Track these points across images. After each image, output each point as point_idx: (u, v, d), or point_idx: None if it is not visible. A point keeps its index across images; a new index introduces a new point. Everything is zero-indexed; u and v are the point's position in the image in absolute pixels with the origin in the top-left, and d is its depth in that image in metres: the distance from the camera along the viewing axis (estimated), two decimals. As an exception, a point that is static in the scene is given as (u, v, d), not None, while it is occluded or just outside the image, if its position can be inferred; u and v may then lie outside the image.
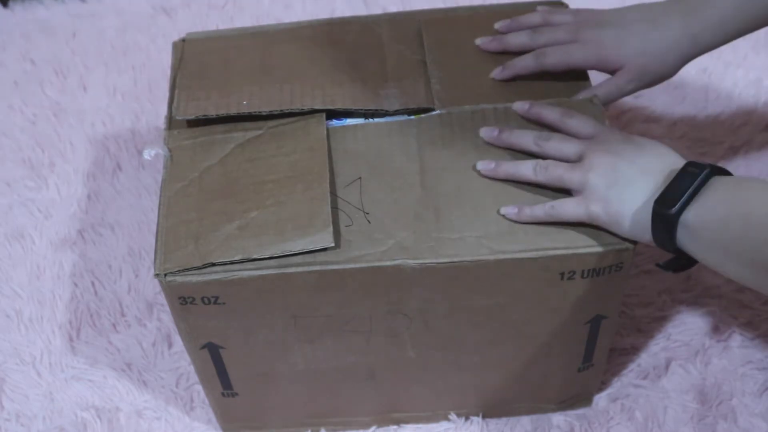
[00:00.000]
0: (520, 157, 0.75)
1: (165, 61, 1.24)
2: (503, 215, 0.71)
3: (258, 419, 0.87)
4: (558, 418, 0.88)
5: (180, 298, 0.70)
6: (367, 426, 0.88)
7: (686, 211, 0.65)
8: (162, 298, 0.98)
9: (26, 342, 0.97)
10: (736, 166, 1.06)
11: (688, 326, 0.94)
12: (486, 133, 0.76)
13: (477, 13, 0.88)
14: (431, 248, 0.70)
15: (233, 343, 0.76)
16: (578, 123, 0.74)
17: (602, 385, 0.90)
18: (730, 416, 0.87)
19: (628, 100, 1.15)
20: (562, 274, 0.71)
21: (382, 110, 0.78)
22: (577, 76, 0.81)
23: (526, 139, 0.75)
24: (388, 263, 0.69)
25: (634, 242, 0.69)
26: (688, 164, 0.67)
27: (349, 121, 0.79)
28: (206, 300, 0.71)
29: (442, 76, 0.81)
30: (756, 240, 0.61)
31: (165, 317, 0.98)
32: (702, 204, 0.64)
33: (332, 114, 0.79)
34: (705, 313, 0.95)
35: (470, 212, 0.72)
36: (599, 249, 0.69)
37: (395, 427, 0.89)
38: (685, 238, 0.66)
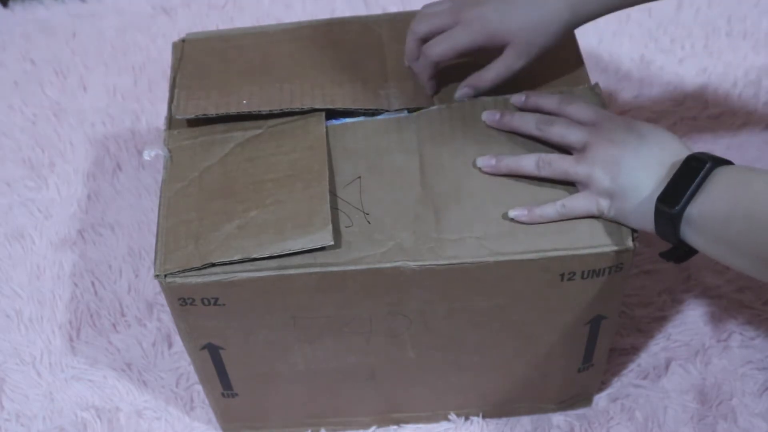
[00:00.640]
0: (519, 150, 0.75)
1: (165, 61, 1.24)
2: (513, 218, 0.70)
3: (258, 419, 0.87)
4: (558, 418, 0.88)
5: (180, 299, 0.70)
6: (367, 426, 0.88)
7: (689, 207, 0.65)
8: (162, 298, 0.98)
9: (26, 342, 0.97)
10: (736, 166, 1.06)
11: (688, 326, 0.94)
12: (488, 116, 0.76)
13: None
14: (431, 249, 0.69)
15: (233, 344, 0.76)
16: (578, 109, 0.74)
17: (602, 385, 0.90)
18: (730, 416, 0.87)
19: (628, 100, 1.15)
20: (563, 275, 0.71)
21: (381, 109, 0.78)
22: (571, 64, 0.81)
23: (528, 123, 0.74)
24: (387, 265, 0.69)
25: (636, 242, 0.69)
26: (690, 158, 0.66)
27: (349, 120, 0.79)
28: (206, 301, 0.71)
29: (442, 75, 0.81)
30: (760, 235, 0.61)
31: (165, 317, 0.98)
32: (704, 199, 0.64)
33: (332, 113, 0.79)
34: (705, 313, 0.95)
35: (470, 212, 0.71)
36: (599, 250, 0.69)
37: (395, 427, 0.89)
38: (688, 233, 0.66)
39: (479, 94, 0.79)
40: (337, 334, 0.75)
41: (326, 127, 0.77)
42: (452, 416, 0.88)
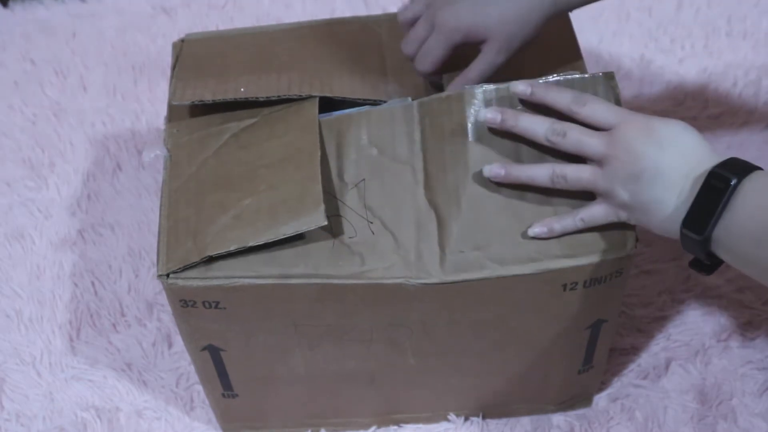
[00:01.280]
0: (524, 146, 0.71)
1: (165, 61, 1.24)
2: (533, 237, 0.68)
3: (258, 419, 0.87)
4: (558, 418, 0.88)
5: (181, 300, 0.70)
6: (367, 426, 0.88)
7: (716, 229, 0.61)
8: (162, 298, 0.98)
9: (26, 342, 0.97)
10: (736, 166, 1.06)
11: (688, 326, 0.94)
12: (489, 116, 0.70)
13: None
14: (433, 265, 0.69)
15: (234, 346, 0.76)
16: (594, 111, 0.67)
17: (602, 385, 0.90)
18: (730, 416, 0.87)
19: (628, 101, 1.15)
20: (565, 286, 0.70)
21: (381, 100, 0.77)
22: (567, 50, 0.79)
23: (536, 130, 0.68)
24: (389, 281, 0.69)
25: (634, 248, 0.69)
26: (713, 175, 0.62)
27: (348, 111, 0.76)
28: (207, 304, 0.70)
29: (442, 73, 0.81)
30: None
31: (165, 317, 0.97)
32: (732, 220, 0.61)
33: (332, 105, 0.77)
34: (705, 313, 0.95)
35: (472, 221, 0.70)
36: (601, 258, 0.68)
37: (395, 427, 0.89)
38: (718, 251, 0.63)
39: None
40: (337, 341, 0.75)
41: (331, 118, 0.75)
42: (452, 416, 0.88)
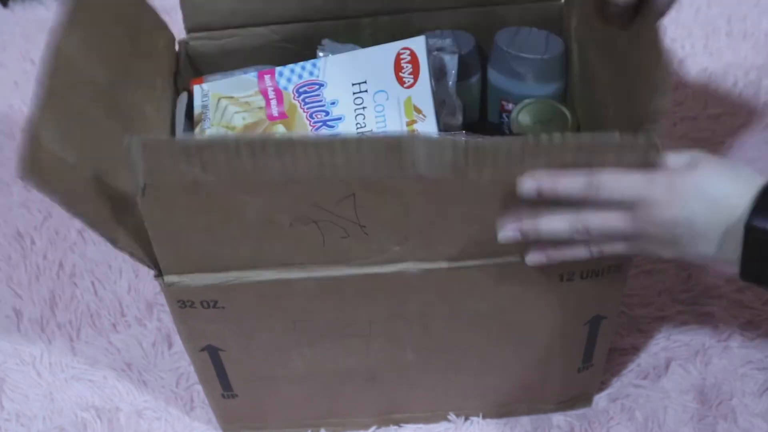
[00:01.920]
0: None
1: (165, 61, 1.23)
2: (530, 264, 0.67)
3: (258, 419, 0.87)
4: (558, 418, 0.88)
5: (179, 301, 0.70)
6: (367, 426, 0.88)
7: None
8: (162, 298, 0.97)
9: (26, 342, 0.97)
10: (736, 166, 1.06)
11: (688, 326, 0.94)
12: (510, 234, 0.65)
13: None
14: (430, 254, 0.69)
15: (233, 346, 0.76)
16: (610, 193, 0.61)
17: (602, 385, 0.90)
18: (730, 416, 0.87)
19: (628, 100, 1.15)
20: (562, 276, 0.70)
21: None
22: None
23: (560, 234, 0.64)
24: (387, 270, 0.69)
25: None
26: (751, 231, 0.57)
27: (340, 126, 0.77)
28: (205, 304, 0.70)
29: None
30: None
31: (165, 317, 0.98)
32: None
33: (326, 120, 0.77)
34: (705, 313, 0.95)
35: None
36: None
37: (395, 427, 0.89)
38: None
39: None
40: (336, 337, 0.75)
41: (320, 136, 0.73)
42: (452, 416, 0.88)
